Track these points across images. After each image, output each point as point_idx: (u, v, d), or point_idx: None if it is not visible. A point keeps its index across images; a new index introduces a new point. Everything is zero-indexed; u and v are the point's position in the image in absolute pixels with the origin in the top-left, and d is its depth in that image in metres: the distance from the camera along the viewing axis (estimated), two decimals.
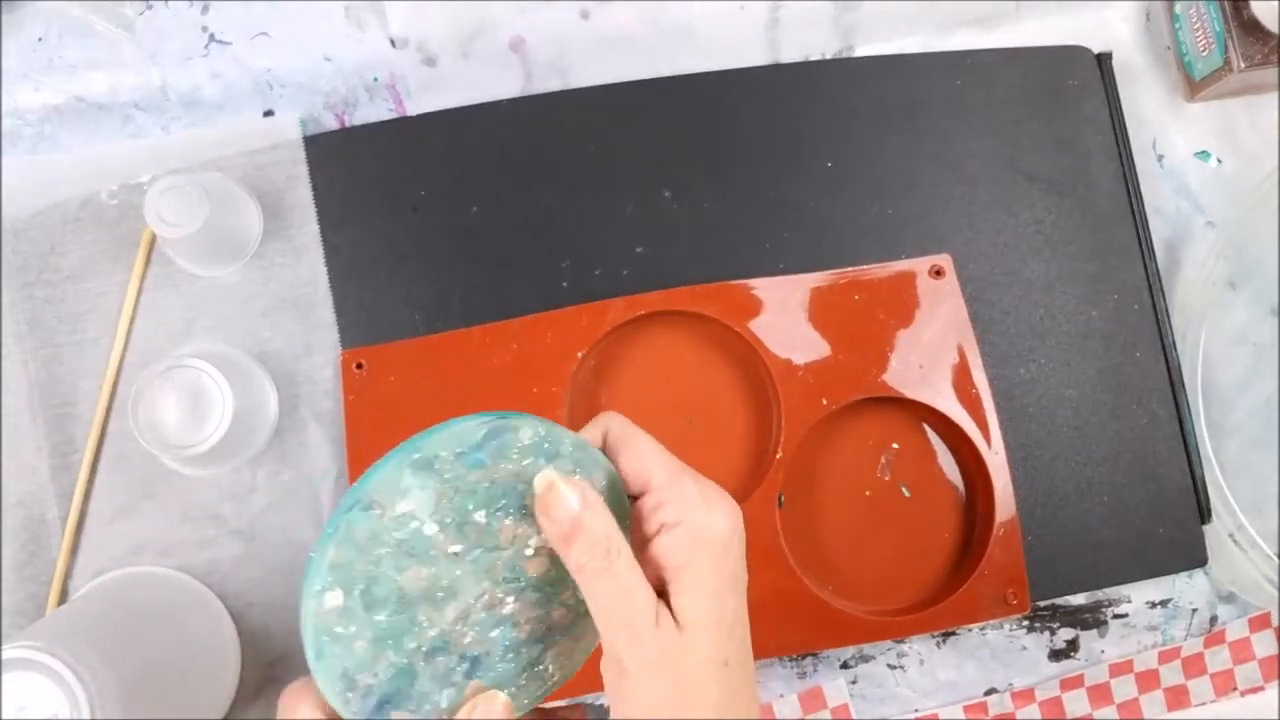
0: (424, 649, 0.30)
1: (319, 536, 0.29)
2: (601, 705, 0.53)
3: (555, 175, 0.54)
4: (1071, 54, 0.56)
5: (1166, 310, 0.55)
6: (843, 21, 0.57)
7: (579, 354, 0.51)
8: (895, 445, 0.54)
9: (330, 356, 0.53)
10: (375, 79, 0.56)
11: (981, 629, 0.54)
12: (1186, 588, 0.55)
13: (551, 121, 0.54)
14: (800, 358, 0.51)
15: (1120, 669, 0.54)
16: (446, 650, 0.30)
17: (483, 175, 0.54)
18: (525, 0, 0.55)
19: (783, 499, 0.51)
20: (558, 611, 0.32)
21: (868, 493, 0.53)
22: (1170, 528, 0.53)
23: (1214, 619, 0.55)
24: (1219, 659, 0.55)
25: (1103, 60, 0.56)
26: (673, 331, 0.53)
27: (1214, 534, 0.54)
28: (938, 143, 0.55)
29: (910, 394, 0.52)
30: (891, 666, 0.54)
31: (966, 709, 0.54)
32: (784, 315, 0.52)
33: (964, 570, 0.52)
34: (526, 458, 0.30)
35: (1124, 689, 0.54)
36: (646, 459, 0.32)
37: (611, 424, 0.33)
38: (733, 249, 0.54)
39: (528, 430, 0.31)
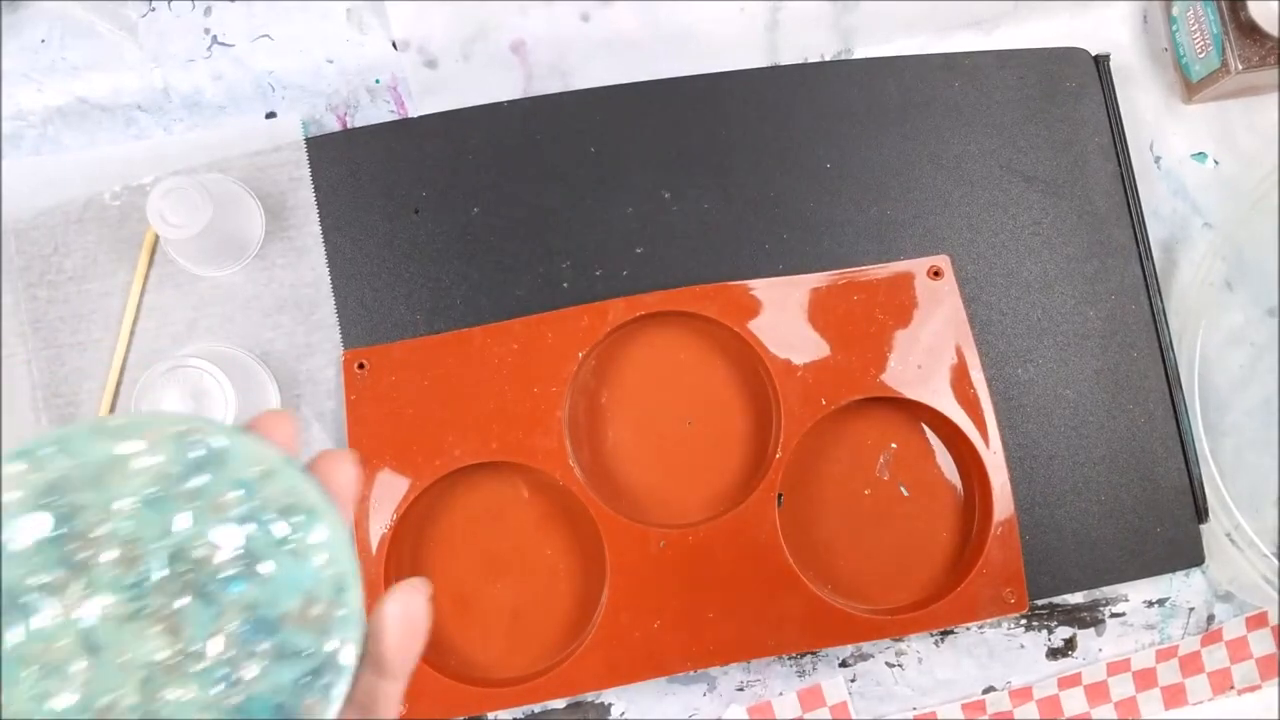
0: None
1: None
2: (601, 704, 0.53)
3: (556, 176, 0.54)
4: (1069, 55, 0.56)
5: (1164, 310, 0.55)
6: (842, 23, 0.57)
7: (580, 354, 0.51)
8: (894, 445, 0.54)
9: (332, 357, 0.53)
10: (377, 81, 0.56)
11: (980, 627, 0.54)
12: (1184, 587, 0.55)
13: (552, 123, 0.54)
14: (799, 358, 0.52)
15: (1117, 668, 0.54)
16: None
17: (484, 176, 0.54)
18: (526, 2, 0.55)
19: (782, 499, 0.51)
20: None
21: (867, 492, 0.53)
22: (1167, 527, 0.54)
23: (1211, 618, 0.55)
24: (1216, 658, 0.55)
25: (1100, 62, 0.56)
26: (673, 332, 0.53)
27: (1211, 533, 0.54)
28: (936, 144, 0.55)
29: (909, 394, 0.52)
30: (890, 665, 0.54)
31: (965, 707, 0.54)
32: (783, 316, 0.52)
33: (962, 569, 0.52)
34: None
35: (1121, 687, 0.54)
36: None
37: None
38: (732, 249, 0.54)
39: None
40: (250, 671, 0.24)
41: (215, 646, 0.24)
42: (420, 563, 0.52)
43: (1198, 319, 0.55)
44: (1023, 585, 0.51)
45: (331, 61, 0.56)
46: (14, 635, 0.23)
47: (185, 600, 0.24)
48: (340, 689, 0.24)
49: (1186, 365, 0.54)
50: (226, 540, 0.24)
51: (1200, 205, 0.58)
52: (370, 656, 0.26)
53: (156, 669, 0.23)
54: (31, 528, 0.23)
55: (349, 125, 0.56)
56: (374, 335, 0.53)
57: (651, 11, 0.56)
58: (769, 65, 0.57)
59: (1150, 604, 0.55)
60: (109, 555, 0.24)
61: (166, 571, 0.24)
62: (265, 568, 0.24)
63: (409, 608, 0.26)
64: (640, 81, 0.55)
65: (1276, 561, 0.52)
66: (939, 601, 0.51)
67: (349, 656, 0.24)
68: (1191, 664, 0.55)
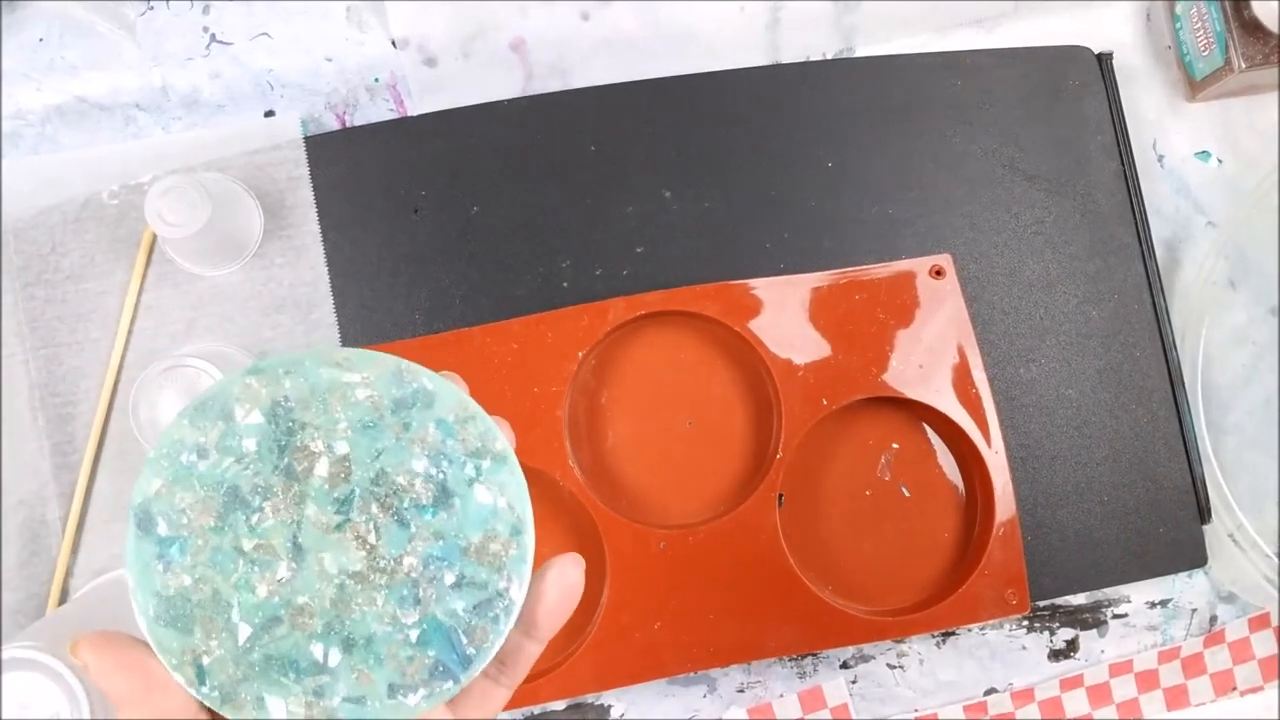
0: None
1: None
2: (601, 705, 0.53)
3: (555, 175, 0.54)
4: (1072, 54, 0.56)
5: (1166, 310, 0.55)
6: (843, 22, 0.57)
7: (580, 354, 0.51)
8: (895, 445, 0.54)
9: None
10: (376, 79, 0.56)
11: (981, 629, 0.54)
12: (1186, 587, 0.55)
13: (552, 122, 0.54)
14: (800, 358, 0.51)
15: (1120, 669, 0.54)
16: None
17: (483, 175, 0.54)
18: (526, 1, 0.55)
19: (783, 499, 0.51)
20: None
21: (868, 492, 0.53)
22: (1170, 527, 0.53)
23: (1214, 619, 0.55)
24: (1218, 659, 0.55)
25: (1103, 60, 0.56)
26: (673, 331, 0.53)
27: (1213, 534, 0.54)
28: (938, 143, 0.55)
29: (910, 394, 0.52)
30: (891, 666, 0.54)
31: (966, 709, 0.54)
32: (784, 315, 0.52)
33: (964, 570, 0.52)
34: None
35: (1123, 689, 0.54)
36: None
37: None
38: (733, 249, 0.54)
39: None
40: (430, 593, 0.26)
41: (405, 565, 0.26)
42: None
43: (1200, 318, 0.54)
44: (1024, 586, 0.51)
45: (331, 60, 0.56)
46: (235, 527, 0.25)
47: (382, 520, 0.26)
48: (506, 624, 0.26)
49: (1189, 364, 0.54)
50: (424, 471, 0.26)
51: (1203, 204, 0.58)
52: (523, 615, 0.27)
53: (350, 580, 0.25)
54: (259, 436, 0.26)
55: (348, 124, 0.56)
56: (373, 335, 0.53)
57: (651, 11, 0.56)
58: (770, 64, 0.56)
59: (1153, 605, 0.55)
60: (322, 470, 0.26)
61: (369, 492, 0.26)
62: (455, 501, 0.26)
63: (567, 577, 0.28)
64: (640, 81, 0.55)
65: (1279, 562, 0.52)
66: (940, 603, 0.51)
67: (518, 594, 0.26)
68: (1194, 665, 0.55)
